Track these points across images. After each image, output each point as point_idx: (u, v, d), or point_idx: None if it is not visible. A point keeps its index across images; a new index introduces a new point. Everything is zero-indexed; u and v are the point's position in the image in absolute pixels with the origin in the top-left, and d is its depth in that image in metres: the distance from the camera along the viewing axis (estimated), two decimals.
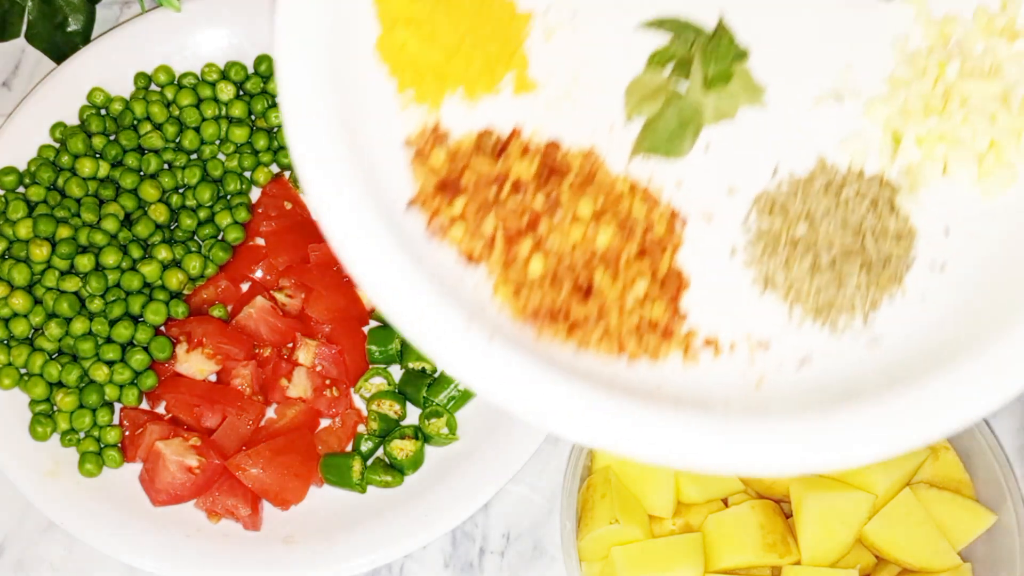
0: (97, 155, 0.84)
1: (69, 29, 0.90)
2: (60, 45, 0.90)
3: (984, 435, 0.77)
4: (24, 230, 0.80)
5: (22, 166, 0.84)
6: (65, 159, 0.84)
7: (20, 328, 0.79)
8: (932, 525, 0.75)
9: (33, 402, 0.78)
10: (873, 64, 0.71)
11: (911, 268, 0.67)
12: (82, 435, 0.79)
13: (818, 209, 0.67)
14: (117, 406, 0.81)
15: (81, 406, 0.78)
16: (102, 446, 0.79)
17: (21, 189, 0.83)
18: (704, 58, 0.70)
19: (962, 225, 0.68)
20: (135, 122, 0.87)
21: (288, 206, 0.87)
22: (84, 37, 0.91)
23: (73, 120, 0.86)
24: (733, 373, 0.65)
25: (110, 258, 0.80)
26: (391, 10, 0.70)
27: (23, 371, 0.79)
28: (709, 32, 0.71)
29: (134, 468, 0.79)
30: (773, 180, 0.69)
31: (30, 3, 0.87)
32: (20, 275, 0.79)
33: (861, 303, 0.66)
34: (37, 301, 0.80)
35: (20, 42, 0.90)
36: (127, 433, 0.80)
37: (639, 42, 0.72)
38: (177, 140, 0.87)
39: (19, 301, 0.78)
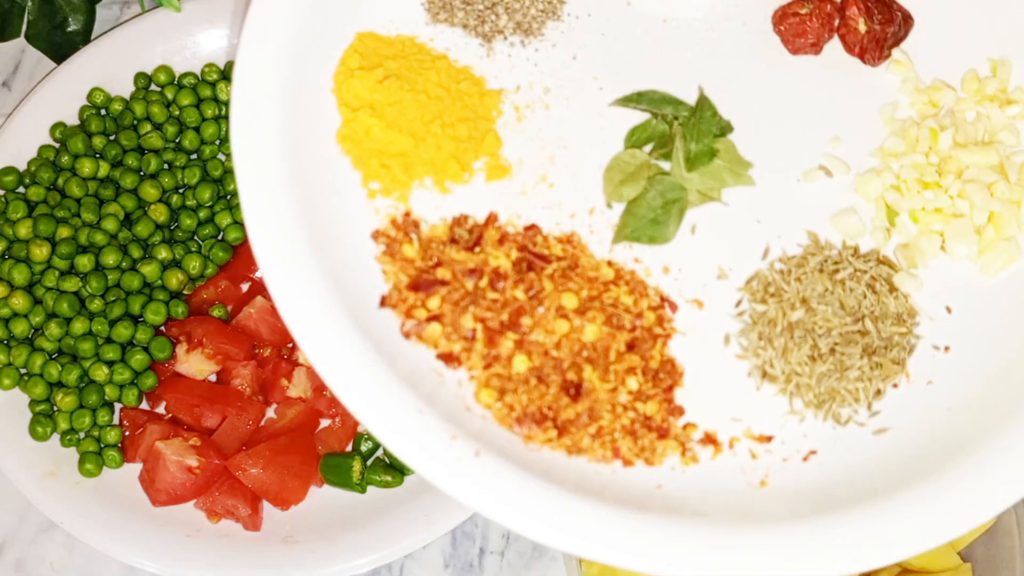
0: (97, 155, 0.83)
1: (69, 29, 0.89)
2: (60, 45, 0.89)
3: None
4: (24, 230, 0.79)
5: (22, 166, 0.83)
6: (65, 159, 0.82)
7: (20, 328, 0.78)
8: None
9: (33, 402, 0.78)
10: (862, 135, 0.68)
11: (914, 351, 0.63)
12: (82, 435, 0.78)
13: (814, 292, 0.63)
14: (117, 406, 0.80)
15: (81, 406, 0.78)
16: (102, 446, 0.78)
17: (21, 189, 0.82)
18: (686, 134, 0.66)
19: (964, 303, 0.65)
20: (135, 122, 0.85)
21: None
22: (84, 37, 0.89)
23: (73, 120, 0.85)
24: (734, 472, 0.61)
25: (110, 258, 0.79)
26: (353, 97, 0.66)
27: (23, 371, 0.78)
28: (690, 106, 0.68)
29: (134, 468, 0.78)
30: (765, 261, 0.65)
31: (30, 3, 0.87)
32: (20, 275, 0.78)
33: (865, 392, 0.62)
34: (37, 301, 0.79)
35: (20, 42, 0.89)
36: (127, 433, 0.79)
37: (617, 118, 0.68)
38: (177, 140, 0.85)
39: (19, 301, 0.78)
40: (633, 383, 0.62)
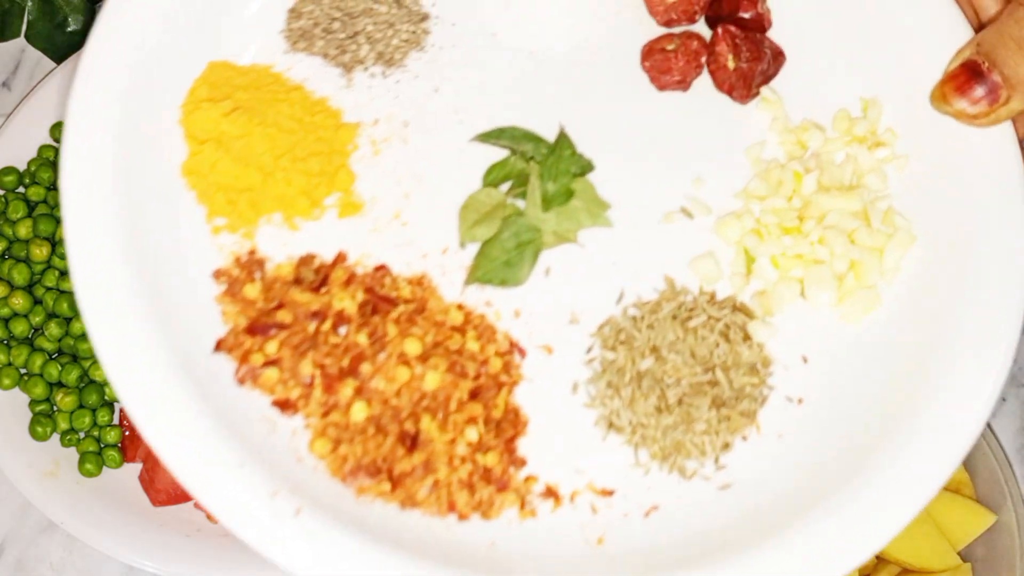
0: None
1: (69, 29, 0.89)
2: (60, 45, 0.89)
3: (984, 436, 0.75)
4: (24, 230, 0.79)
5: (22, 166, 0.83)
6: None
7: (20, 328, 0.78)
8: (932, 525, 0.73)
9: (33, 402, 0.78)
10: (727, 176, 0.66)
11: (766, 403, 0.62)
12: (82, 435, 0.78)
13: (665, 340, 0.62)
14: (117, 406, 0.80)
15: (81, 406, 0.78)
16: (102, 446, 0.78)
17: (21, 189, 0.82)
18: (543, 173, 0.64)
19: (821, 353, 0.63)
20: None
21: None
22: (84, 37, 0.88)
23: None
24: (574, 528, 0.59)
25: None
26: (200, 129, 0.64)
27: (23, 371, 0.78)
28: (550, 143, 0.66)
29: (134, 468, 0.78)
30: (619, 306, 0.64)
31: (30, 3, 0.88)
32: (20, 275, 0.79)
33: (712, 445, 0.60)
34: (37, 301, 0.79)
35: (20, 42, 0.90)
36: (127, 433, 0.79)
37: (477, 155, 0.66)
38: None
39: (19, 301, 0.78)
40: (473, 433, 0.60)
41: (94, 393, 0.77)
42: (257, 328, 0.61)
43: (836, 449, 0.60)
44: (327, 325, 0.61)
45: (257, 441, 0.58)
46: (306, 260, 0.63)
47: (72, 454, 0.78)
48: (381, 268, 0.64)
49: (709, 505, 0.60)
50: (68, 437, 0.78)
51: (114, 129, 0.61)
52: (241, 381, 0.60)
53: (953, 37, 0.64)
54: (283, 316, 0.61)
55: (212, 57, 0.66)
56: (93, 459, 0.77)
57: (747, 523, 0.59)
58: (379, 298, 0.62)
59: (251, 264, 0.63)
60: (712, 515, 0.60)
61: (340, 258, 0.64)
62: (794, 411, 0.62)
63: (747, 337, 0.62)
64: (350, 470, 0.59)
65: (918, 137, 0.65)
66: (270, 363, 0.60)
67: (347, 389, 0.60)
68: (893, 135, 0.65)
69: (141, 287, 0.59)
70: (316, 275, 0.63)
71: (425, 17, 0.68)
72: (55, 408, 0.78)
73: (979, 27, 0.64)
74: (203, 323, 0.61)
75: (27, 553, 0.81)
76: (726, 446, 0.61)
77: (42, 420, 0.77)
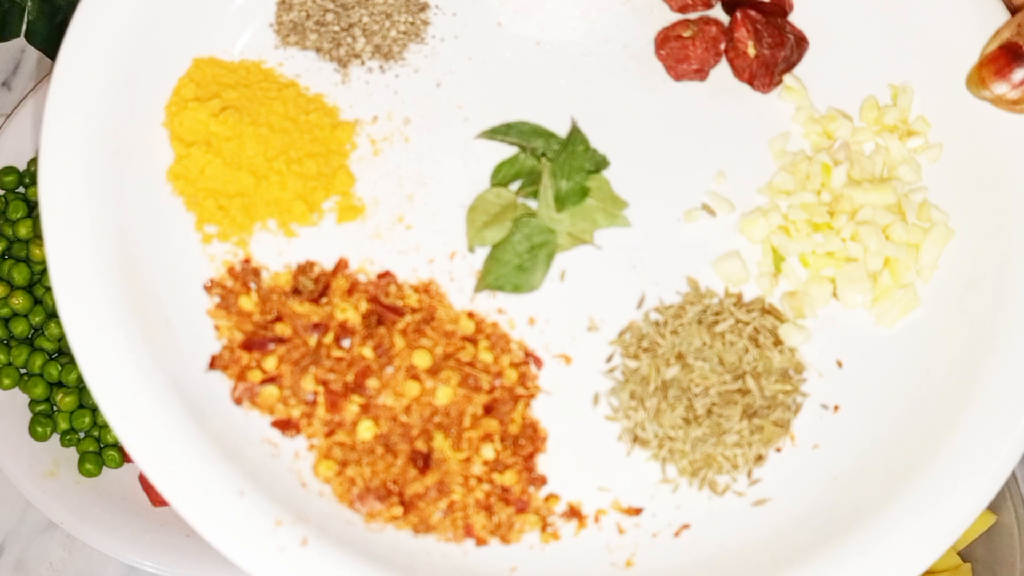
0: None
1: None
2: (60, 45, 0.83)
3: None
4: (24, 230, 0.79)
5: (22, 166, 0.82)
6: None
7: (20, 328, 0.78)
8: None
9: (33, 402, 0.77)
10: (750, 170, 0.62)
11: (800, 411, 0.58)
12: (82, 435, 0.78)
13: (691, 346, 0.58)
14: None
15: (81, 406, 0.77)
16: (102, 446, 0.78)
17: (21, 189, 0.82)
18: (555, 171, 0.60)
19: (856, 357, 0.59)
20: None
21: None
22: None
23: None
24: (599, 550, 0.55)
25: None
26: (186, 131, 0.59)
27: (23, 371, 0.78)
28: (562, 139, 0.62)
29: (134, 468, 0.77)
30: (640, 311, 0.60)
31: (30, 3, 0.87)
32: (20, 275, 0.78)
33: (744, 458, 0.57)
34: (37, 301, 0.79)
35: (20, 42, 0.89)
36: None
37: (483, 153, 0.62)
38: None
39: (19, 301, 0.78)
40: (489, 451, 0.56)
41: None
42: (254, 343, 0.57)
43: (875, 459, 0.57)
44: (329, 338, 0.57)
45: (258, 466, 0.54)
46: (305, 269, 0.59)
47: (72, 454, 0.77)
48: (385, 275, 0.59)
49: (743, 522, 0.56)
50: (68, 437, 0.77)
51: (93, 133, 0.57)
52: (238, 401, 0.56)
53: (988, 17, 0.60)
54: (282, 329, 0.57)
55: (198, 52, 0.62)
56: (93, 459, 0.76)
57: (784, 540, 0.55)
58: (384, 308, 0.58)
59: (245, 274, 0.59)
60: (747, 532, 0.56)
61: (341, 265, 0.59)
62: (830, 419, 0.58)
63: (778, 341, 0.58)
64: (358, 494, 0.55)
65: (952, 125, 0.61)
66: (269, 380, 0.56)
67: (353, 406, 0.56)
68: (925, 123, 0.62)
69: (127, 302, 0.55)
70: (316, 284, 0.59)
71: (424, 7, 0.64)
72: (55, 408, 0.77)
73: (1014, 8, 0.61)
74: (195, 339, 0.57)
75: (27, 553, 0.80)
76: (759, 458, 0.57)
77: (42, 420, 0.77)
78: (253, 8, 0.63)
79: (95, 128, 0.57)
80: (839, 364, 0.59)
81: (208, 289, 0.58)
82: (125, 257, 0.56)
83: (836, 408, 0.58)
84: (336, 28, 0.63)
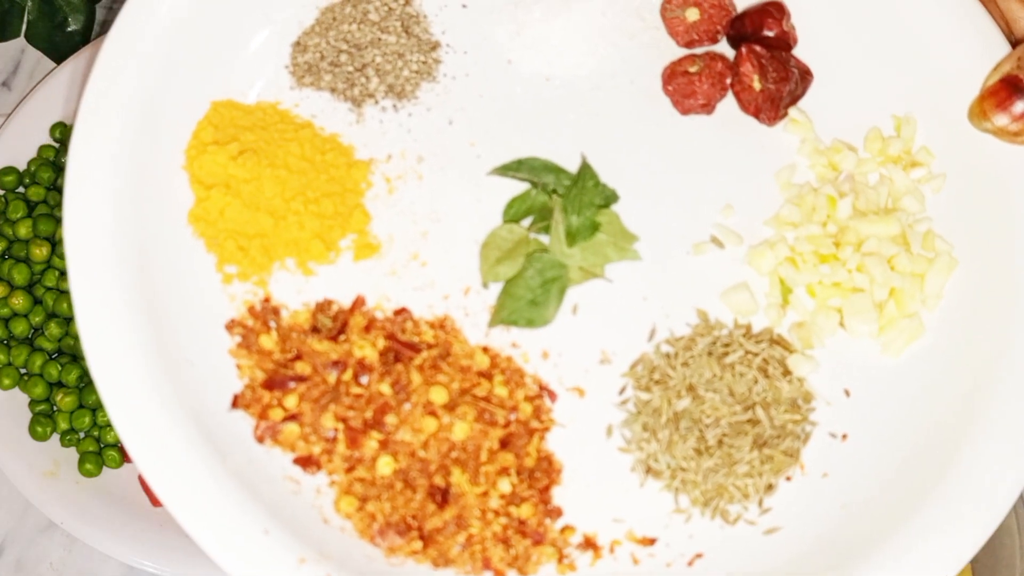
0: None
1: (69, 29, 0.89)
2: (60, 45, 0.88)
3: None
4: (24, 230, 0.79)
5: (22, 166, 0.82)
6: (65, 159, 0.78)
7: (20, 328, 0.78)
8: None
9: (33, 402, 0.77)
10: (757, 202, 0.63)
11: (809, 440, 0.59)
12: (82, 435, 0.78)
13: (701, 378, 0.59)
14: None
15: (81, 406, 0.77)
16: (102, 446, 0.78)
17: (21, 189, 0.82)
18: (566, 206, 0.62)
19: (864, 386, 0.60)
20: None
21: None
22: (84, 37, 0.89)
23: (73, 120, 0.82)
24: None
25: None
26: (206, 174, 0.61)
27: (23, 371, 0.78)
28: (572, 175, 0.63)
29: (134, 468, 0.77)
30: (651, 343, 0.61)
31: (30, 3, 0.88)
32: (20, 275, 0.78)
33: (755, 487, 0.58)
34: (37, 301, 0.79)
35: (20, 42, 0.90)
36: None
37: (495, 189, 0.63)
38: None
39: (19, 301, 0.78)
40: (506, 485, 0.57)
41: (94, 393, 0.76)
42: (275, 381, 0.58)
43: (883, 486, 0.58)
44: (348, 375, 0.59)
45: (280, 503, 0.55)
46: (323, 307, 0.61)
47: (72, 454, 0.77)
48: (402, 312, 0.61)
49: (755, 550, 0.57)
50: (68, 437, 0.77)
51: (116, 178, 0.58)
52: (260, 439, 0.57)
53: (989, 50, 0.61)
54: (302, 367, 0.59)
55: (215, 96, 0.63)
56: (93, 459, 0.76)
57: (795, 568, 0.56)
58: (401, 344, 0.60)
59: (266, 313, 0.60)
60: (758, 561, 0.57)
61: (358, 303, 0.61)
62: (839, 448, 0.59)
63: (787, 372, 0.60)
64: (379, 529, 0.56)
65: (955, 155, 0.62)
66: (290, 418, 0.58)
67: (372, 443, 0.57)
68: (928, 154, 0.63)
69: (150, 343, 0.56)
70: (334, 322, 0.60)
71: (436, 46, 0.66)
72: (55, 408, 0.77)
73: (1013, 41, 0.62)
74: (218, 378, 0.58)
75: (27, 553, 0.80)
76: (770, 488, 0.58)
77: (42, 420, 0.77)
78: (268, 51, 0.64)
79: (118, 173, 0.58)
80: (847, 393, 0.60)
81: (229, 328, 0.59)
82: (149, 299, 0.57)
83: (844, 436, 0.59)
84: (350, 68, 0.64)
